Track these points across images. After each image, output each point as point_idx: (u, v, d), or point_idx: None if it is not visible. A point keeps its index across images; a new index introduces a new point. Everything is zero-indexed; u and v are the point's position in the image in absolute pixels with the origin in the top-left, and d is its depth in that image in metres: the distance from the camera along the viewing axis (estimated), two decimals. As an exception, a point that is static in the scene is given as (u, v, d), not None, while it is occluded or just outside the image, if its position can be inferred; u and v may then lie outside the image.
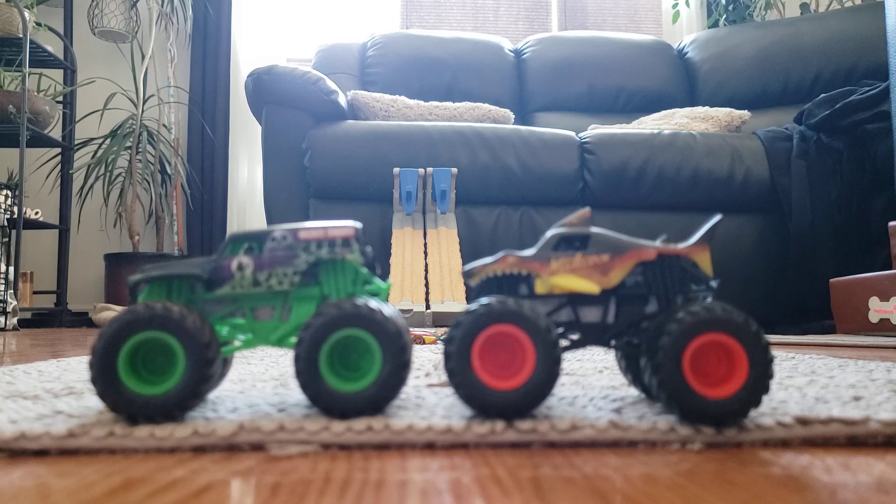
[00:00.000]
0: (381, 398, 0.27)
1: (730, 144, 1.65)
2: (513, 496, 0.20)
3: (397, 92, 2.00)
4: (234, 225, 2.84)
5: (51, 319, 2.59)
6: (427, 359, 0.56)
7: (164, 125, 2.78)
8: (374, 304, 0.28)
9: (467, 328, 0.27)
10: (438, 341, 0.85)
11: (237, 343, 0.30)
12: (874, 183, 1.56)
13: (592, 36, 2.45)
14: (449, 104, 1.82)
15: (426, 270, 1.36)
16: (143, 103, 2.68)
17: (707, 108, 1.92)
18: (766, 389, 0.26)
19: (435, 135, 1.60)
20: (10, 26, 2.38)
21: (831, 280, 1.29)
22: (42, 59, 2.59)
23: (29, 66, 2.37)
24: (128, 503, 0.19)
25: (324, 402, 0.27)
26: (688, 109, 1.93)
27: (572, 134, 1.67)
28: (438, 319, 1.22)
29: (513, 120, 1.86)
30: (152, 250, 2.76)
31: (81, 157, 2.72)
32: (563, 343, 0.29)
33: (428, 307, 1.24)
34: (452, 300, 1.26)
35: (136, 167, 2.61)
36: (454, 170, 1.48)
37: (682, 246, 0.30)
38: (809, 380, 0.39)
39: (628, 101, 2.32)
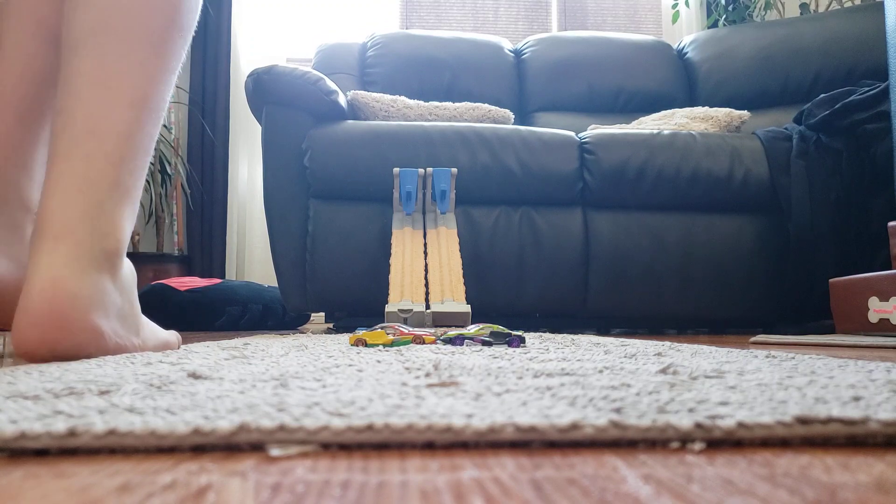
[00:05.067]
0: None
1: (729, 144, 1.66)
2: (512, 495, 0.20)
3: (397, 92, 2.00)
4: (234, 225, 2.85)
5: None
6: (427, 359, 0.56)
7: (164, 125, 2.79)
8: None
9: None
10: (438, 341, 0.85)
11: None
12: (874, 183, 1.56)
13: (592, 36, 2.46)
14: (449, 104, 1.82)
15: (426, 270, 1.36)
16: (143, 103, 2.67)
17: (707, 108, 1.92)
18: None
19: (435, 135, 1.60)
20: (9, 26, 2.37)
21: (831, 280, 1.29)
22: (42, 59, 2.58)
23: (29, 66, 2.37)
24: (127, 503, 0.19)
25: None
26: (687, 109, 1.94)
27: (572, 134, 1.68)
28: (438, 319, 1.22)
29: (513, 120, 1.86)
30: (152, 250, 2.76)
31: (81, 157, 2.72)
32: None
33: (428, 307, 1.24)
34: (452, 300, 1.26)
35: (135, 167, 2.61)
36: (454, 170, 1.48)
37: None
38: (809, 380, 0.39)
39: (628, 102, 2.33)
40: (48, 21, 0.75)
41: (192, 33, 0.70)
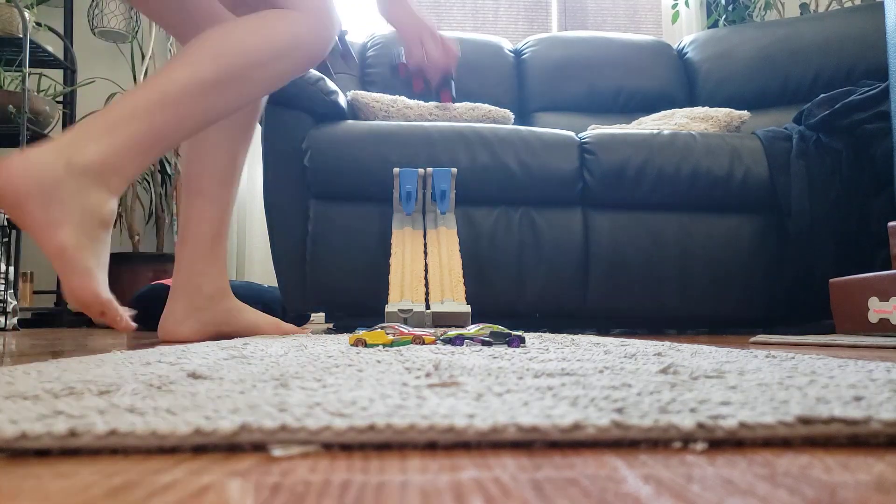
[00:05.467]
0: None
1: (729, 144, 1.66)
2: (512, 496, 0.20)
3: (397, 92, 2.00)
4: (234, 225, 2.84)
5: (51, 319, 2.59)
6: (427, 359, 0.56)
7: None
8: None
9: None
10: (438, 341, 0.85)
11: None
12: (874, 183, 1.56)
13: (592, 36, 2.46)
14: (449, 104, 1.82)
15: (426, 270, 1.36)
16: (143, 103, 2.68)
17: (706, 108, 1.92)
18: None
19: (435, 135, 1.60)
20: (10, 26, 2.38)
21: (831, 280, 1.29)
22: (42, 59, 2.59)
23: (29, 66, 2.37)
24: (127, 503, 0.19)
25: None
26: (687, 110, 1.94)
27: (572, 134, 1.68)
28: (438, 319, 1.22)
29: (512, 120, 1.86)
30: (152, 250, 2.76)
31: (81, 158, 2.72)
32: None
33: (428, 307, 1.24)
34: (452, 300, 1.26)
35: (135, 167, 2.62)
36: (454, 170, 1.48)
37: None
38: (810, 380, 0.39)
39: (628, 102, 2.33)
40: None
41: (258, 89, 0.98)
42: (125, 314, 0.90)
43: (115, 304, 0.88)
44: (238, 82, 0.94)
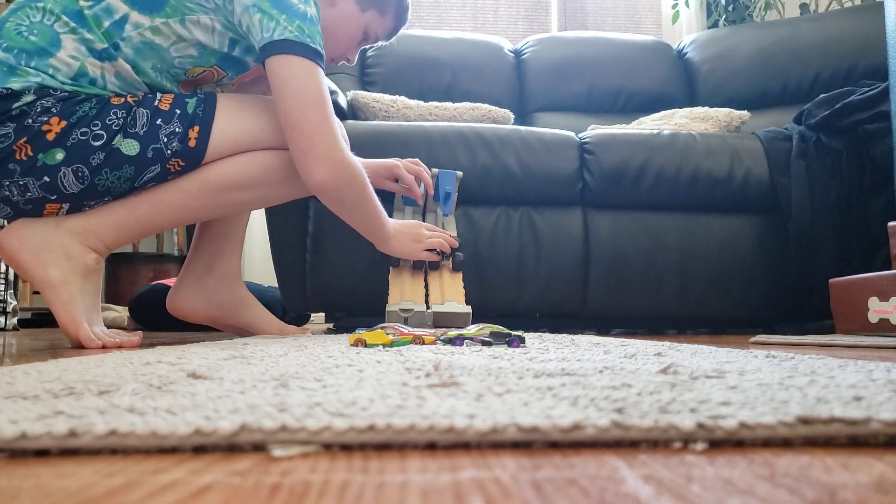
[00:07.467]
0: None
1: (729, 145, 1.65)
2: (512, 496, 0.20)
3: (397, 92, 2.00)
4: (234, 225, 2.82)
5: (51, 319, 2.59)
6: (427, 359, 0.56)
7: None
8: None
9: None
10: (438, 341, 0.85)
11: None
12: (874, 183, 1.56)
13: (592, 36, 2.45)
14: (449, 104, 1.82)
15: (426, 272, 1.36)
16: (143, 103, 2.68)
17: (707, 108, 1.92)
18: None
19: (435, 135, 1.60)
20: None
21: (831, 280, 1.29)
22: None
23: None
24: (127, 503, 0.19)
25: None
26: (687, 110, 1.93)
27: (572, 134, 1.68)
28: (439, 320, 1.22)
29: (512, 120, 1.86)
30: (152, 250, 2.76)
31: (81, 158, 2.72)
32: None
33: (428, 307, 1.24)
34: (453, 301, 1.26)
35: (135, 167, 2.62)
36: (459, 173, 1.47)
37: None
38: (810, 380, 0.39)
39: (628, 102, 2.33)
40: None
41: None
42: (127, 337, 0.98)
43: (109, 337, 0.96)
44: (221, 197, 1.02)
